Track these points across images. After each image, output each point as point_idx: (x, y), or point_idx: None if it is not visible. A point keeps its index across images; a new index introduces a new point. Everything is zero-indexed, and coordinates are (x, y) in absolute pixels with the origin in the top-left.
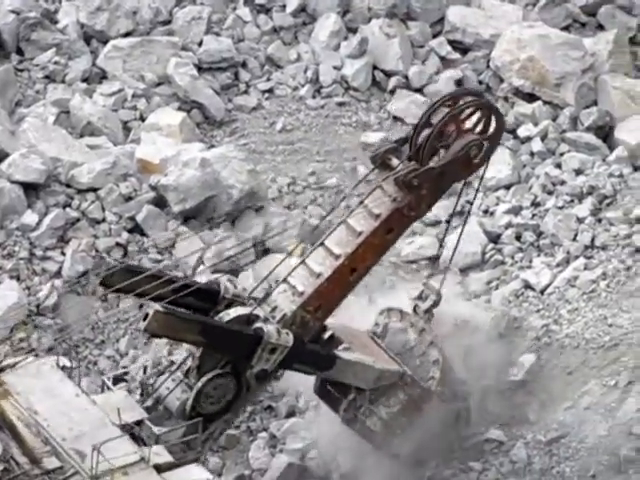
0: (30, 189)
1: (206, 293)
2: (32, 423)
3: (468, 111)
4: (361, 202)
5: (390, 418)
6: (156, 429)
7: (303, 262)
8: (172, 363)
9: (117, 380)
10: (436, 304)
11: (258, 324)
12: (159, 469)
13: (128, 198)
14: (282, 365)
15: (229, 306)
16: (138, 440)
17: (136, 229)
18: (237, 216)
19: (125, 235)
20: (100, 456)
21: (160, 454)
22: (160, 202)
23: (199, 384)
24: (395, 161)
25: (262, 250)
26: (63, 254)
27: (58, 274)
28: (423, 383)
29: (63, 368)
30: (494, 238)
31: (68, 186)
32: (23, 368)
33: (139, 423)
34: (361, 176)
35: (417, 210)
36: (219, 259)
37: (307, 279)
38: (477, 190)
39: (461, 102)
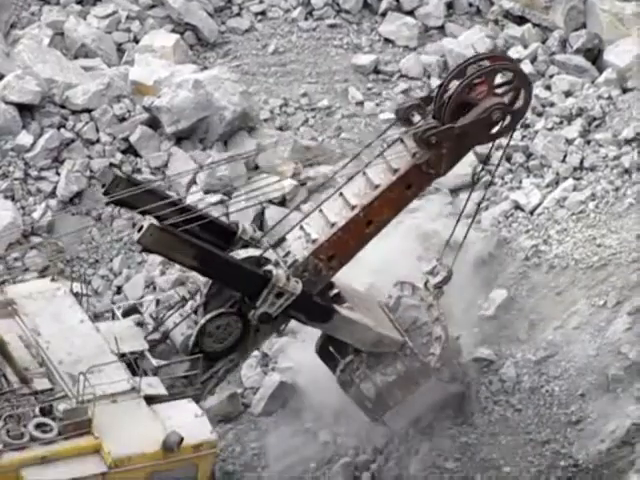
0: (25, 110)
1: (222, 231)
2: (33, 344)
3: (499, 76)
4: (380, 154)
5: (385, 387)
6: (154, 361)
7: (319, 209)
8: (183, 299)
9: (131, 312)
10: (446, 280)
11: (268, 267)
12: (149, 400)
13: (122, 119)
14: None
15: (244, 247)
16: (137, 371)
17: (130, 150)
18: (230, 137)
19: (119, 156)
20: (91, 382)
21: (153, 386)
22: (153, 123)
23: (202, 321)
24: (417, 117)
25: (254, 167)
26: (58, 174)
27: (53, 194)
28: (423, 357)
29: (76, 295)
30: (484, 159)
31: (63, 107)
32: (39, 291)
33: (140, 354)
34: (352, 99)
35: (436, 168)
36: (212, 179)
37: (322, 227)
38: (498, 165)
39: (494, 63)
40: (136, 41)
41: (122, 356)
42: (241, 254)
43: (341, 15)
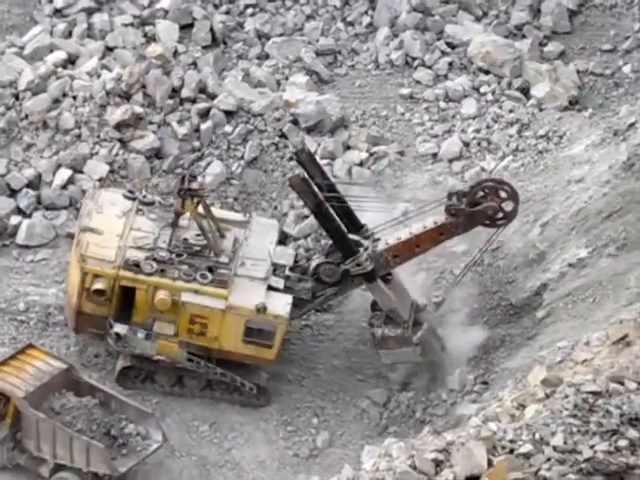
0: (229, 115)
1: (353, 221)
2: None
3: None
4: (437, 204)
5: (385, 335)
6: (286, 273)
7: (404, 232)
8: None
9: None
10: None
11: (360, 248)
12: (270, 287)
13: (278, 119)
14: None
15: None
16: (277, 275)
17: (282, 136)
18: (335, 130)
19: (276, 139)
20: (246, 266)
21: (277, 282)
22: (295, 122)
23: (316, 260)
24: (454, 199)
25: (347, 147)
26: (244, 147)
27: (241, 158)
28: (409, 334)
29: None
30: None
31: (242, 112)
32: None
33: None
34: (397, 111)
35: (456, 229)
36: (324, 152)
37: (396, 239)
38: (481, 250)
39: (498, 185)
40: (286, 78)
41: (274, 265)
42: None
43: (394, 68)
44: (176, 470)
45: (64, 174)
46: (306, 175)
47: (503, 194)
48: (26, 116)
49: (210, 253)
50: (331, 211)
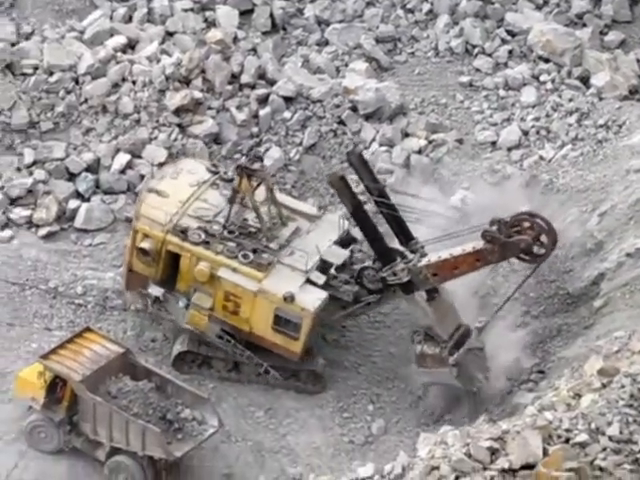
0: (288, 101)
1: (403, 231)
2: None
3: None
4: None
5: (422, 353)
6: (332, 272)
7: (445, 252)
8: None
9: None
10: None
11: (402, 259)
12: (307, 280)
13: (337, 106)
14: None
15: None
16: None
17: (341, 122)
18: (393, 117)
19: (335, 125)
20: (295, 257)
21: (317, 277)
22: (354, 109)
23: (359, 266)
24: (494, 227)
25: (405, 134)
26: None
27: (299, 144)
28: (446, 354)
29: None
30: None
31: (307, 98)
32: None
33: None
34: (456, 99)
35: (492, 257)
36: (383, 138)
37: (437, 257)
38: (520, 284)
39: (535, 219)
40: (346, 65)
41: (322, 261)
42: (396, 247)
43: (453, 55)
44: (231, 455)
45: (123, 158)
46: (345, 174)
47: (539, 230)
48: (85, 100)
49: (262, 237)
50: (370, 215)
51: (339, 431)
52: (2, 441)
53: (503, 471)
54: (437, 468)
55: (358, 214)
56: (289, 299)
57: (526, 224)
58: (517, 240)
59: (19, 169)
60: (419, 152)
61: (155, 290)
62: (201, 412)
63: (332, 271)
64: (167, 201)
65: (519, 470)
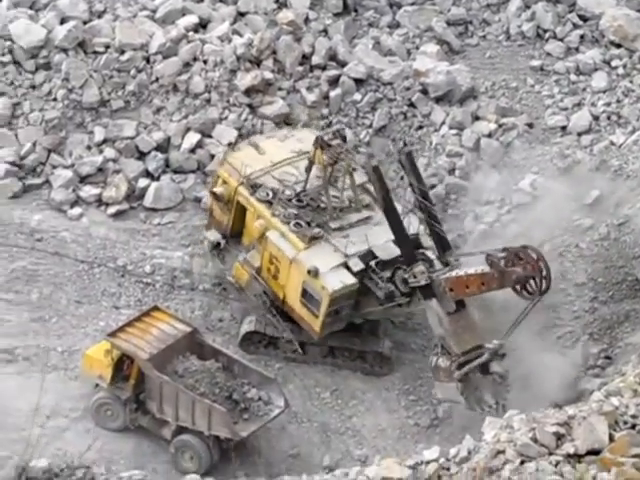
0: (358, 83)
1: (442, 240)
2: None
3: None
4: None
5: (437, 365)
6: (371, 266)
7: (464, 269)
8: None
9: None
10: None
11: (427, 264)
12: (345, 265)
13: (407, 88)
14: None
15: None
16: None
17: (411, 105)
18: (464, 100)
19: (405, 108)
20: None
21: (357, 265)
22: (424, 91)
23: (395, 266)
24: (501, 254)
25: (475, 117)
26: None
27: (370, 126)
28: (454, 368)
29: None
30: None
31: (377, 80)
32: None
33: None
34: (527, 83)
35: (492, 282)
36: (453, 122)
37: (454, 273)
38: (524, 312)
39: (529, 254)
40: (417, 48)
41: (369, 251)
42: (427, 253)
43: (525, 39)
44: (297, 436)
45: (193, 138)
46: (379, 165)
47: (530, 265)
48: (156, 79)
49: (327, 214)
50: (398, 211)
51: (405, 413)
52: (68, 419)
53: (568, 456)
54: (502, 452)
55: (387, 206)
56: (313, 273)
57: (522, 255)
58: (510, 271)
59: (89, 147)
60: (489, 136)
61: (213, 235)
62: (267, 392)
63: (372, 264)
64: (260, 157)
65: (584, 456)
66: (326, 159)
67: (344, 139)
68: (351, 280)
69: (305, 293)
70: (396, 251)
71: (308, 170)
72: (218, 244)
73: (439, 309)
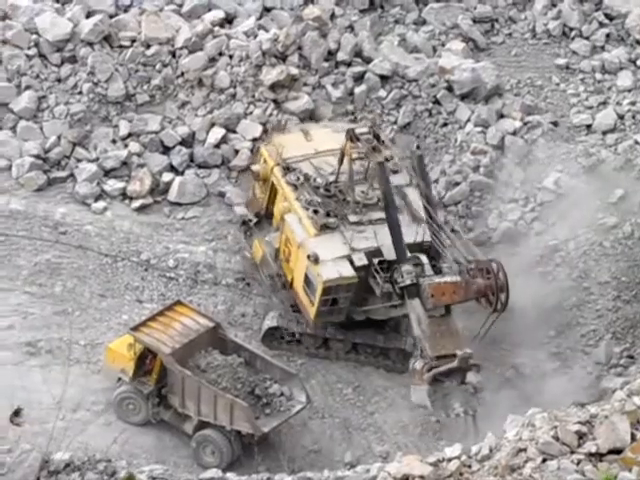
0: (383, 79)
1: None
2: None
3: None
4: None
5: (411, 370)
6: (375, 264)
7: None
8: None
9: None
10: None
11: (419, 268)
12: (349, 259)
13: (433, 85)
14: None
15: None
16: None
17: (436, 102)
18: (489, 98)
19: (430, 105)
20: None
21: (360, 260)
22: (449, 88)
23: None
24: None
25: (500, 115)
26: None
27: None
28: (425, 371)
29: None
30: None
31: (402, 77)
32: None
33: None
34: (552, 81)
35: (460, 291)
36: (478, 119)
37: (436, 280)
38: (485, 328)
39: (493, 268)
40: (442, 45)
41: (377, 249)
42: (420, 256)
43: (550, 37)
44: (319, 432)
45: (217, 133)
46: (384, 161)
47: (492, 279)
48: (182, 74)
49: (350, 207)
50: (393, 201)
51: (427, 410)
52: (91, 412)
53: (590, 455)
54: (524, 450)
55: (386, 201)
56: (312, 259)
57: (492, 271)
58: (472, 282)
59: (114, 141)
60: (514, 133)
61: (240, 210)
62: (289, 388)
63: (375, 262)
64: (305, 143)
65: (606, 454)
66: (355, 153)
67: (376, 130)
68: (349, 273)
69: (307, 279)
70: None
71: (340, 162)
72: (247, 221)
73: (420, 310)
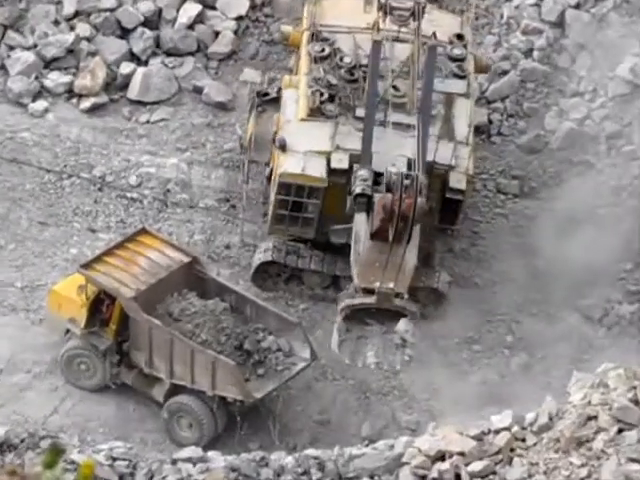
0: None
1: None
2: None
3: None
4: None
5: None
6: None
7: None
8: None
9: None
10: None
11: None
12: (327, 157)
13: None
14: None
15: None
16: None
17: None
18: None
19: None
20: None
21: (339, 162)
22: None
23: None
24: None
25: None
26: None
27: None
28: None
29: None
30: None
31: None
32: None
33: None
34: None
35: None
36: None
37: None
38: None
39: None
40: None
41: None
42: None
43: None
44: (328, 397)
45: (191, 9)
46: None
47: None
48: None
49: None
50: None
51: (467, 368)
52: (31, 374)
53: None
54: (594, 418)
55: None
56: (279, 145)
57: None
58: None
59: (57, 22)
60: (577, 6)
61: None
62: (288, 341)
63: (356, 167)
64: (360, 14)
65: None
66: (387, 29)
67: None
68: (317, 173)
69: (272, 172)
70: (397, 168)
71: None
72: (262, 94)
73: (364, 228)
